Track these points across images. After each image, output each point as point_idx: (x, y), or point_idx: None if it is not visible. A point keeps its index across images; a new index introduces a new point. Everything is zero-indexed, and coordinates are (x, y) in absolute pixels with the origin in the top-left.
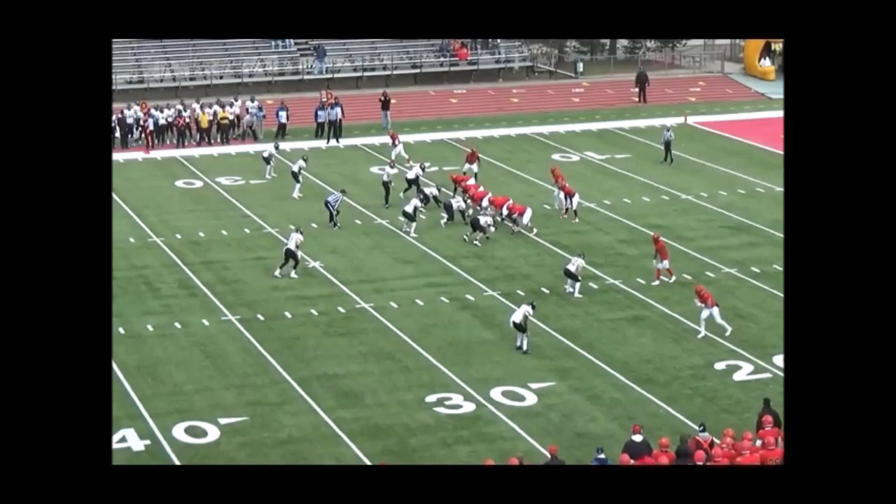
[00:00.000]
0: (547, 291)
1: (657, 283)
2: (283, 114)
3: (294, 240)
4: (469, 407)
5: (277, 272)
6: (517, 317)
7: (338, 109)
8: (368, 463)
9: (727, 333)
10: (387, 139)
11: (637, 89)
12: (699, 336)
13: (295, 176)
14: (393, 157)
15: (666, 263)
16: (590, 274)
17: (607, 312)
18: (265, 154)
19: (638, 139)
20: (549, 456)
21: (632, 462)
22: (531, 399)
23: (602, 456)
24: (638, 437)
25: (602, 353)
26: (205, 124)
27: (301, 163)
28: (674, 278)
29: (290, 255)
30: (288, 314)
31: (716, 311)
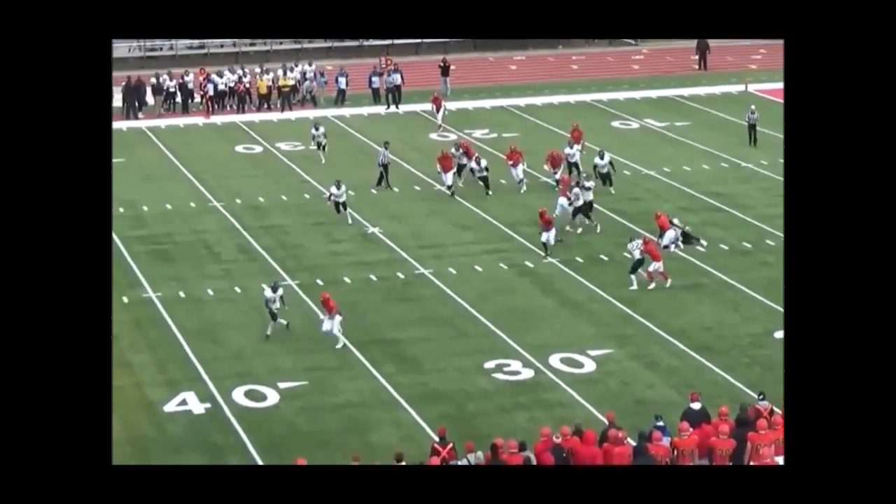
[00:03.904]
0: (605, 259)
1: (653, 285)
2: (342, 80)
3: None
4: (528, 373)
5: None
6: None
7: (397, 75)
8: (427, 428)
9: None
10: (448, 105)
11: (697, 56)
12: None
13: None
14: (440, 122)
15: (659, 266)
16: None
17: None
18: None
19: (698, 107)
20: (606, 423)
21: (691, 430)
22: (590, 366)
23: (661, 423)
24: (696, 405)
25: (660, 321)
26: (263, 90)
27: (317, 132)
28: (669, 282)
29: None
30: (347, 279)
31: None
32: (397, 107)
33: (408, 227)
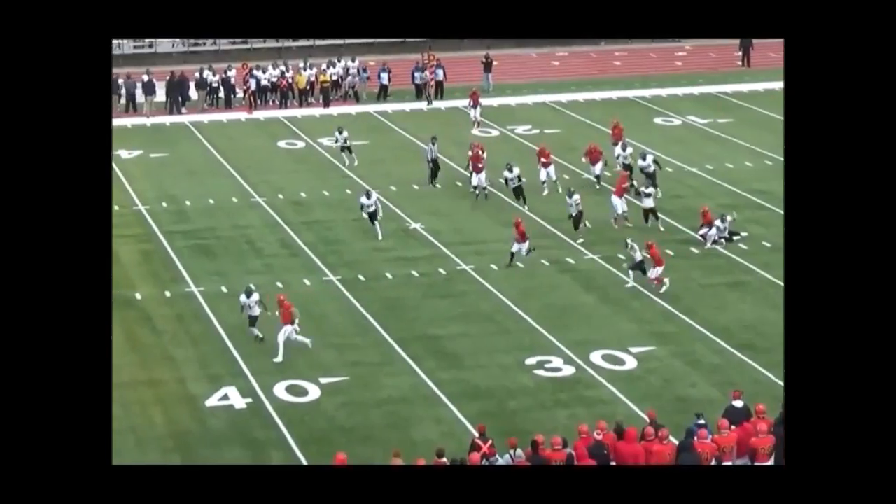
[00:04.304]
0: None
1: (664, 288)
2: (384, 75)
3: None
4: (569, 370)
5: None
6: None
7: (440, 71)
8: (468, 424)
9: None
10: (488, 101)
11: (741, 53)
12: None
13: (343, 149)
14: (475, 119)
15: (659, 271)
16: (691, 238)
17: (708, 277)
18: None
19: (741, 103)
20: (647, 420)
21: (732, 427)
22: (631, 363)
23: (702, 422)
24: (738, 403)
25: (702, 319)
26: (302, 85)
27: (340, 136)
28: (664, 287)
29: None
30: (389, 275)
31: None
32: (440, 99)
33: (449, 223)
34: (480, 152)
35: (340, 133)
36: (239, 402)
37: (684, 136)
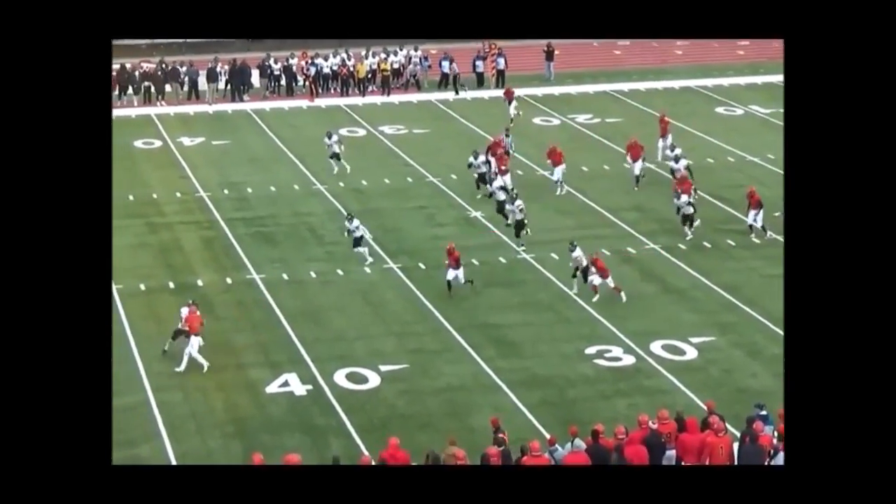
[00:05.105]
0: (708, 246)
1: (597, 297)
2: (446, 64)
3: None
4: (629, 360)
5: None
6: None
7: (501, 60)
8: (527, 413)
9: None
10: (549, 90)
11: None
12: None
13: (333, 156)
14: (511, 115)
15: (610, 281)
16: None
17: (769, 267)
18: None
19: None
20: (706, 410)
21: None
22: (691, 353)
23: (763, 412)
24: None
25: (763, 309)
26: (361, 74)
27: (329, 140)
28: (623, 295)
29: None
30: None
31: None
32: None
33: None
34: (504, 151)
35: (330, 138)
36: (299, 388)
37: (746, 126)
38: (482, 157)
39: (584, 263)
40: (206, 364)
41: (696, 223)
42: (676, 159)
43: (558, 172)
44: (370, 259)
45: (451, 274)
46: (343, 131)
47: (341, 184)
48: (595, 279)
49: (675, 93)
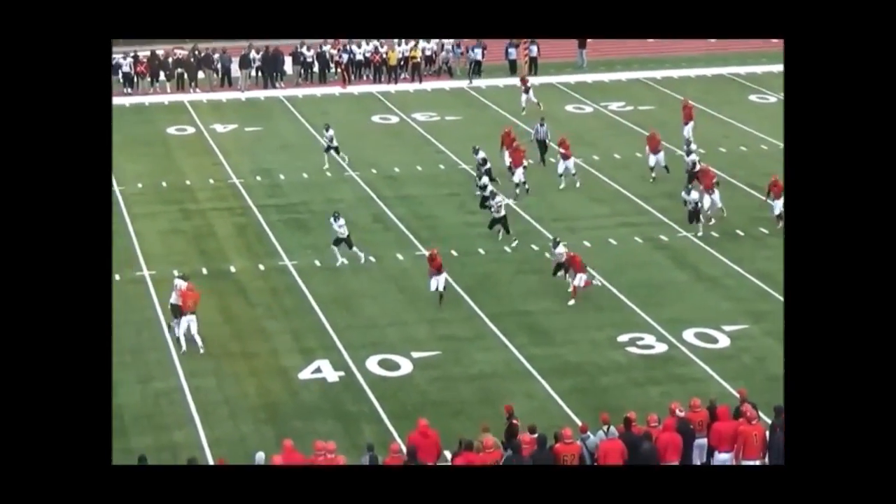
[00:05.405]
0: (742, 234)
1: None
2: (478, 51)
3: None
4: (661, 347)
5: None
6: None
7: (534, 47)
8: (559, 400)
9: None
10: (582, 77)
11: None
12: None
13: (329, 149)
14: (524, 104)
15: (583, 278)
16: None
17: None
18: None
19: None
20: (738, 398)
21: None
22: (724, 341)
23: None
24: None
25: None
26: (393, 62)
27: (327, 133)
28: (572, 301)
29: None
30: (481, 250)
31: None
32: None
33: (542, 199)
34: (519, 145)
35: (327, 131)
36: (332, 375)
37: (779, 114)
38: (482, 154)
39: (563, 259)
40: (201, 347)
41: (711, 221)
42: (688, 152)
43: (562, 166)
44: (342, 260)
45: (433, 283)
46: (376, 118)
47: (373, 170)
48: (577, 280)
49: (708, 80)
